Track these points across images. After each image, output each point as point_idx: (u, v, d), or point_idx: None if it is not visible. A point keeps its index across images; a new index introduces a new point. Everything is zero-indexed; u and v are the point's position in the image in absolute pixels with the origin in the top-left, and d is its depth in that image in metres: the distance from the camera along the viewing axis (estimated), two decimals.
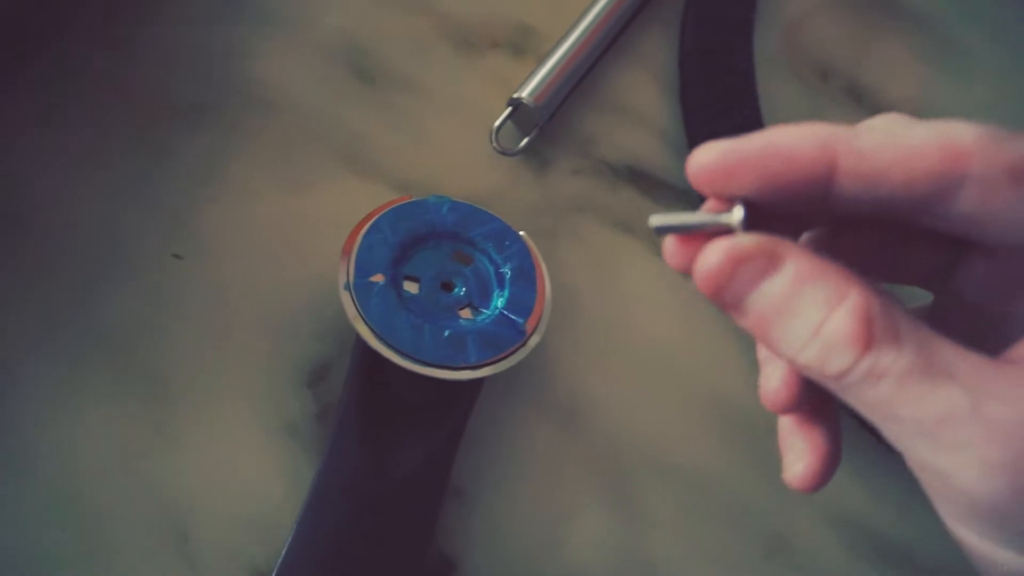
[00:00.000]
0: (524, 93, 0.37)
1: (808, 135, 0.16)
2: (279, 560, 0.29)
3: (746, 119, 0.39)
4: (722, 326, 0.37)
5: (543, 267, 0.33)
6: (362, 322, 0.29)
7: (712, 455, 0.35)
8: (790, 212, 0.18)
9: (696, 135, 0.39)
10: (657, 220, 0.18)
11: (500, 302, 0.32)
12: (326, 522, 0.30)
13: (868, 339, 0.15)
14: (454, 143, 0.38)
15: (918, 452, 0.16)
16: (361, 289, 0.30)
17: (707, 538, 0.34)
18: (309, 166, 0.36)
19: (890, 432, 0.16)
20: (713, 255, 0.17)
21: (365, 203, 0.33)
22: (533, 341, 0.31)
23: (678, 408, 0.36)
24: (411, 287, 0.31)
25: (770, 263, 0.16)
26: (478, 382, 0.32)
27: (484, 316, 0.32)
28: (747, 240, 0.17)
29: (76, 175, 0.34)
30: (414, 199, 0.33)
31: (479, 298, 0.32)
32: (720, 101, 0.39)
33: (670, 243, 0.18)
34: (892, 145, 0.16)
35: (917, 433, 0.15)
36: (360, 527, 0.30)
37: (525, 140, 0.38)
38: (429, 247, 0.32)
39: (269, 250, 0.34)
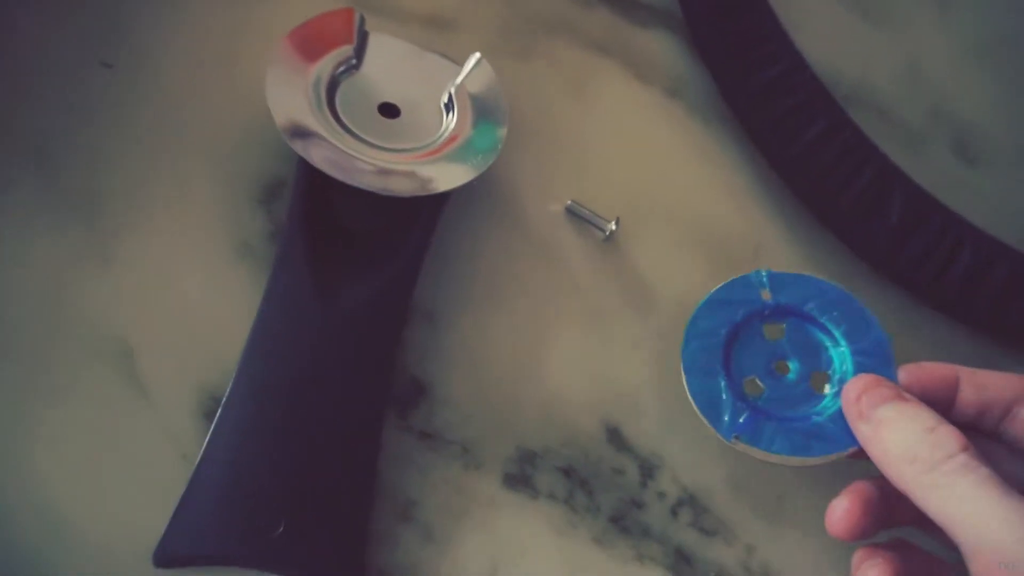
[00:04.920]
0: None
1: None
2: (228, 387, 0.27)
3: None
4: (696, 148, 0.35)
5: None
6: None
7: (693, 282, 0.33)
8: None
9: None
10: (570, 204, 0.32)
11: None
12: (274, 350, 0.27)
13: (966, 445, 0.23)
14: None
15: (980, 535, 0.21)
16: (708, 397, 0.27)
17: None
18: None
19: (953, 519, 0.22)
20: (857, 380, 0.26)
21: (317, 10, 0.31)
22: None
23: (657, 229, 0.34)
24: (753, 388, 0.28)
25: (897, 394, 0.25)
26: (436, 207, 0.29)
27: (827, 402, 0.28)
28: (881, 380, 0.26)
29: None
30: (733, 280, 0.29)
31: (818, 363, 0.28)
32: None
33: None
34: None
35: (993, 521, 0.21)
36: (309, 355, 0.27)
37: None
38: (751, 334, 0.28)
39: (211, 59, 0.31)
